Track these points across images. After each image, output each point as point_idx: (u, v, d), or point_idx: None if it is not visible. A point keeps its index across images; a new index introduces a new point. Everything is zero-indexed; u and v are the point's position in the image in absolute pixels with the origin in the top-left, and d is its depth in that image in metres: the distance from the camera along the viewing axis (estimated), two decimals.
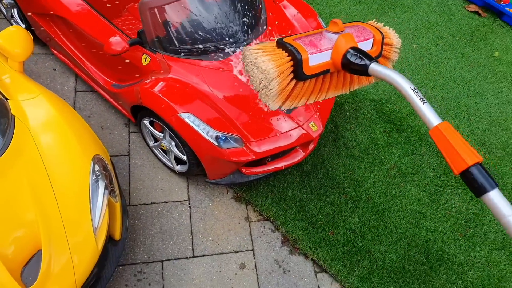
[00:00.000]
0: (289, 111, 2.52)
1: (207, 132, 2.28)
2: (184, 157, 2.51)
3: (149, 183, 2.71)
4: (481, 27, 4.16)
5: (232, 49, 2.42)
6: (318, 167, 2.98)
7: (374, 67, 1.43)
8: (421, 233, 2.85)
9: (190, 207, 2.67)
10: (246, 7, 2.42)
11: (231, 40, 2.42)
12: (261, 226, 2.71)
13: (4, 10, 3.17)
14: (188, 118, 2.25)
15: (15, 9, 3.04)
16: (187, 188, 2.75)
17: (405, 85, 1.35)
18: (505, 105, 3.66)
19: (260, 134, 2.39)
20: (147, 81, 2.37)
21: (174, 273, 2.41)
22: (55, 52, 2.99)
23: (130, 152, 2.81)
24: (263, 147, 2.38)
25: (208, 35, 2.34)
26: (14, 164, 1.78)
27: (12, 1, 2.91)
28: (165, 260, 2.44)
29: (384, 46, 1.69)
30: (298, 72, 1.50)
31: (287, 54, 1.51)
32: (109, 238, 2.05)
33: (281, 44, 1.54)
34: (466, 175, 1.18)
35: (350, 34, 1.56)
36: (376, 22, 1.74)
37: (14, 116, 1.89)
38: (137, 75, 2.52)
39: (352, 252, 2.68)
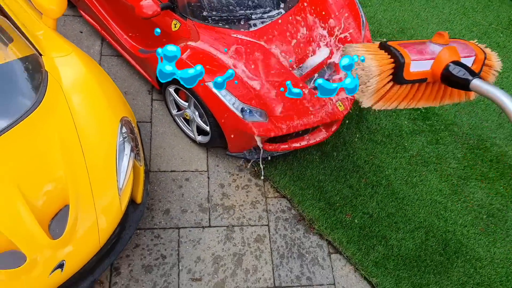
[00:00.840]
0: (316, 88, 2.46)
1: (233, 103, 2.25)
2: (207, 128, 2.49)
3: (170, 151, 2.71)
4: None
5: (263, 20, 2.37)
6: (339, 149, 2.93)
7: (477, 82, 1.44)
8: (440, 223, 2.80)
9: (208, 178, 2.67)
10: None
11: (262, 10, 2.36)
12: (277, 202, 2.70)
13: None
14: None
15: None
16: (207, 159, 2.74)
17: (510, 104, 1.34)
18: None
19: (285, 109, 2.34)
20: None
21: (190, 240, 2.43)
22: (83, 14, 2.97)
23: (152, 119, 2.81)
24: (287, 123, 2.34)
25: (239, 5, 2.29)
26: (46, 120, 1.79)
27: None
28: (182, 227, 2.46)
29: (484, 67, 1.67)
30: (398, 75, 1.54)
31: (389, 56, 1.55)
32: (131, 201, 2.06)
33: (384, 46, 1.58)
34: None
35: (454, 48, 1.58)
36: (477, 43, 1.72)
37: (47, 72, 1.89)
38: (165, 40, 2.49)
39: (368, 237, 2.65)
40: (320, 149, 2.89)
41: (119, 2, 2.56)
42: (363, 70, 1.56)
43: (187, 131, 2.75)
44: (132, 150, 1.95)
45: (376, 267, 2.56)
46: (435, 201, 2.89)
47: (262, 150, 2.56)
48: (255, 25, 2.32)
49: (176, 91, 2.58)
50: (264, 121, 2.33)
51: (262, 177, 2.71)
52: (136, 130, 2.05)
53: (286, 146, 2.58)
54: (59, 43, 2.03)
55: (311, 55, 2.53)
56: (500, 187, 3.01)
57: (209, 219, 2.52)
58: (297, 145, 2.60)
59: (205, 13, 2.28)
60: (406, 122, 3.15)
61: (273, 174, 2.74)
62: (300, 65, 2.42)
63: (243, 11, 2.32)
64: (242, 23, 2.31)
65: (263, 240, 2.53)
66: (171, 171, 2.64)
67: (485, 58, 1.64)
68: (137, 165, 2.03)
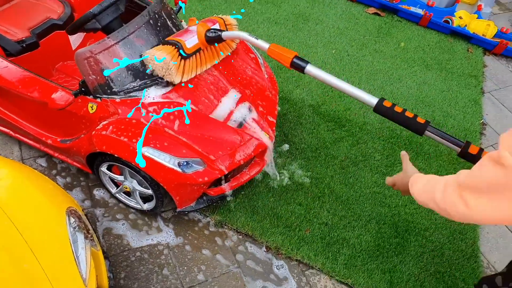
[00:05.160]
0: (240, 125, 2.65)
1: (168, 161, 2.32)
2: (150, 191, 2.52)
3: (122, 229, 2.66)
4: (383, 24, 4.73)
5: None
6: (279, 173, 3.12)
7: (224, 33, 2.33)
8: (385, 210, 3.08)
9: (168, 243, 2.66)
10: None
11: None
12: (240, 242, 2.76)
13: None
14: (147, 151, 2.30)
15: None
16: (161, 226, 2.74)
17: (245, 35, 2.24)
18: (422, 85, 4.14)
19: (218, 151, 2.47)
20: (99, 127, 2.39)
21: None
22: None
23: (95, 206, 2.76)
24: (225, 163, 2.47)
25: (144, 72, 2.42)
26: None
27: None
28: None
29: (227, 26, 2.61)
30: (182, 53, 2.33)
31: (171, 45, 2.34)
32: None
33: (165, 42, 2.39)
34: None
35: (204, 23, 2.44)
36: (218, 15, 2.67)
37: None
38: (85, 125, 2.53)
39: (331, 244, 2.82)
40: (263, 180, 3.05)
41: (28, 100, 2.57)
42: (161, 62, 2.27)
43: (132, 204, 2.74)
44: (86, 237, 1.91)
45: (347, 268, 2.71)
46: (375, 192, 3.18)
47: (209, 197, 2.65)
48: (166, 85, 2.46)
49: (109, 169, 2.60)
50: (204, 168, 2.43)
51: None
52: (84, 217, 2.02)
53: (232, 184, 2.68)
54: None
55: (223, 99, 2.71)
56: (420, 163, 3.43)
57: (182, 284, 2.49)
58: (241, 181, 2.72)
59: (115, 89, 2.37)
60: (326, 134, 3.49)
61: (229, 217, 2.82)
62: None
63: (148, 77, 2.43)
64: (154, 87, 2.44)
65: (240, 284, 2.55)
66: (128, 250, 2.58)
67: (224, 22, 2.55)
68: (94, 250, 1.98)
